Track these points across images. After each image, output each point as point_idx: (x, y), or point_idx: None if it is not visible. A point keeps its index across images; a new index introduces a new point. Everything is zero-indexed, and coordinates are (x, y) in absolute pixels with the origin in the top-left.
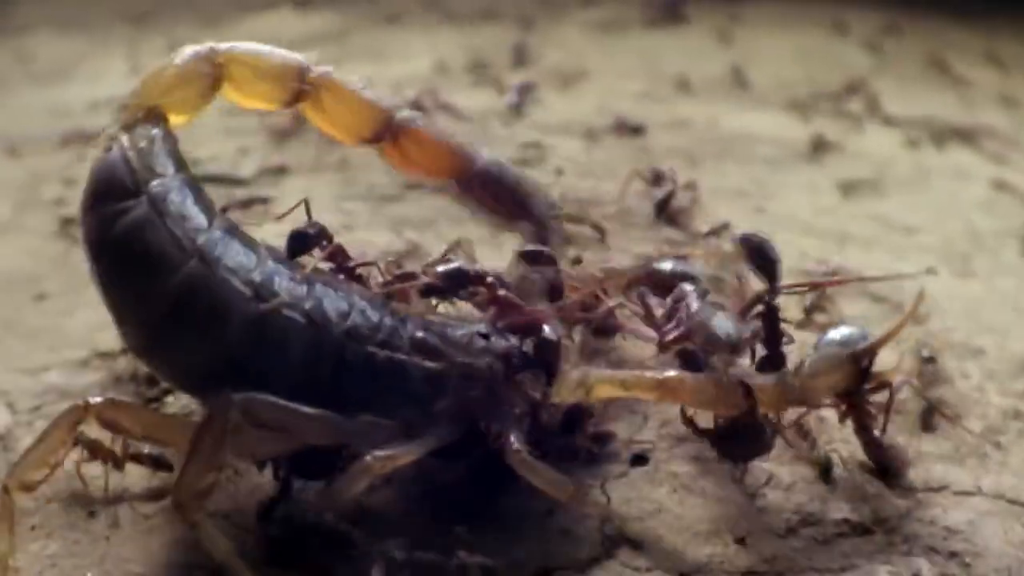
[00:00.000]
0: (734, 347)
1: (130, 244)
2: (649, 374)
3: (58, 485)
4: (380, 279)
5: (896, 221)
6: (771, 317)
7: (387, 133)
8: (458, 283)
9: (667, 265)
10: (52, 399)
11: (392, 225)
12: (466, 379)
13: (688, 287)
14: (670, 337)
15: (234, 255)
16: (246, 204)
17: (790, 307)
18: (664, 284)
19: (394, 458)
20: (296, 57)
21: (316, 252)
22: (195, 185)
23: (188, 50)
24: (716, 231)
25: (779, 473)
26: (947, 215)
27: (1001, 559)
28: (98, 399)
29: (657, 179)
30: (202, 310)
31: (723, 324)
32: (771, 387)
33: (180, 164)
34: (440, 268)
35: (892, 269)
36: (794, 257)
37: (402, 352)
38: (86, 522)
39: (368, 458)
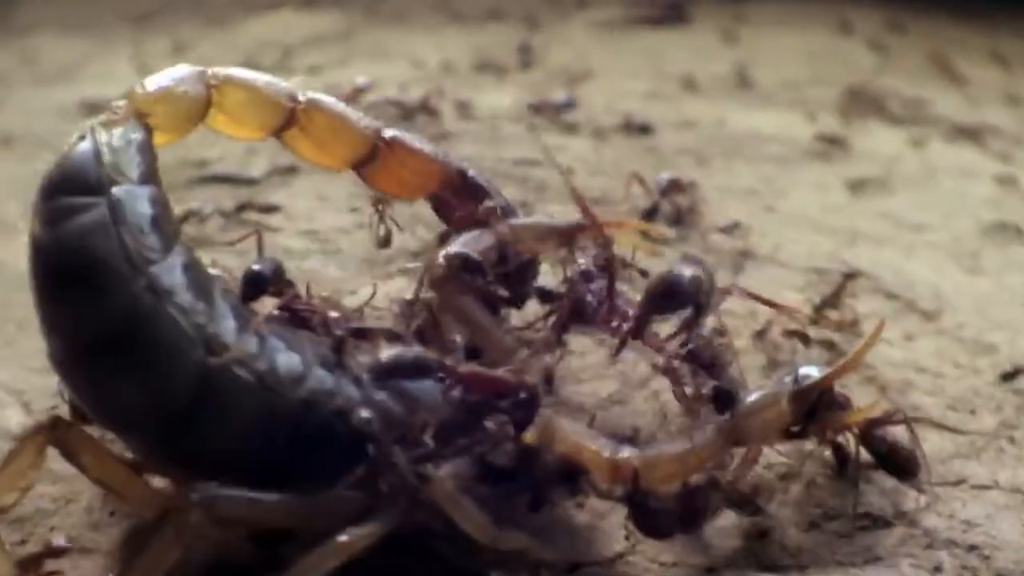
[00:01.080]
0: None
1: (77, 246)
2: (608, 452)
3: (75, 485)
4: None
5: (905, 219)
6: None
7: (375, 153)
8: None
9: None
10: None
11: (404, 224)
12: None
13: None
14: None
15: (187, 292)
16: (265, 209)
17: (803, 306)
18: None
19: (371, 535)
20: (286, 84)
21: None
22: (164, 203)
23: (182, 68)
24: (727, 229)
25: (800, 467)
26: (955, 212)
27: (1019, 552)
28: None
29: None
30: (140, 347)
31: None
32: (712, 440)
33: (153, 175)
34: (395, 356)
35: (903, 267)
36: (804, 255)
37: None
38: (107, 523)
39: (344, 537)
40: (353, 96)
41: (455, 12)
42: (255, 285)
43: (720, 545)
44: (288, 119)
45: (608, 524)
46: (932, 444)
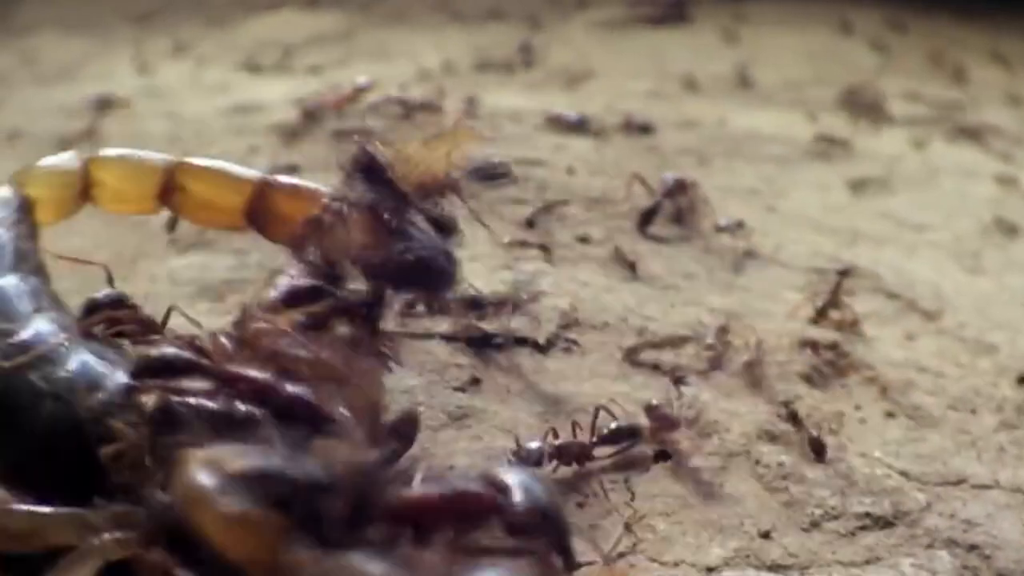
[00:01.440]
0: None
1: None
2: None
3: None
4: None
5: (906, 219)
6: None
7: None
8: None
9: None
10: None
11: None
12: None
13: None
14: None
15: (8, 298)
16: None
17: (805, 304)
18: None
19: (127, 543)
20: (160, 155)
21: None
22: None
23: (62, 155)
24: (728, 229)
25: (800, 468)
26: (956, 212)
27: (1020, 551)
28: None
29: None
30: None
31: None
32: None
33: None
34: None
35: (904, 267)
36: (805, 255)
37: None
38: None
39: (96, 541)
40: (354, 96)
41: (456, 12)
42: (90, 311)
43: (721, 544)
44: (168, 181)
45: (610, 523)
46: (932, 444)
